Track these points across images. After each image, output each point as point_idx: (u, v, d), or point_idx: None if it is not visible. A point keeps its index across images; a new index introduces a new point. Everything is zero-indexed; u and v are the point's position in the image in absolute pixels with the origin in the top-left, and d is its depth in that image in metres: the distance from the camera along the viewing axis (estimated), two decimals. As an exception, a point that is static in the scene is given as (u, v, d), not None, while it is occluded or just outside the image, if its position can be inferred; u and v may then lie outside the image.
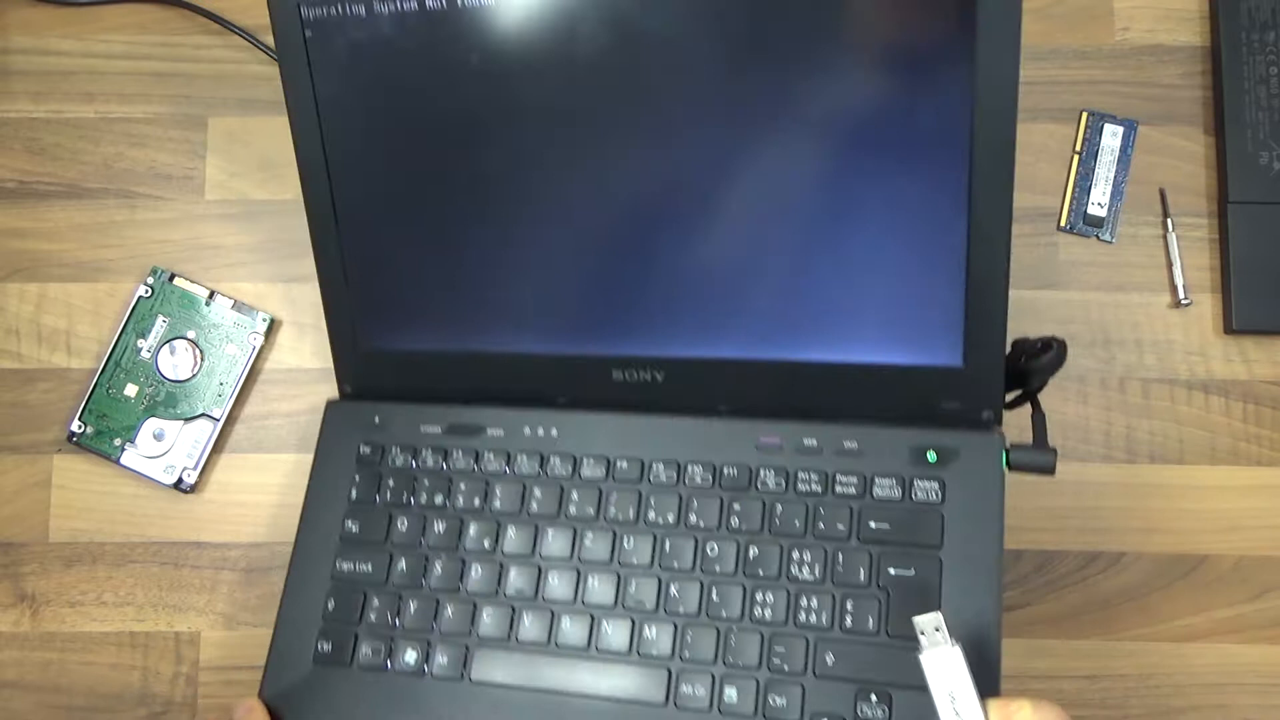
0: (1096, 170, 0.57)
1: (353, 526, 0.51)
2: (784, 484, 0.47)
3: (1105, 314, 0.57)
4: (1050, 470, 0.46)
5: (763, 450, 0.48)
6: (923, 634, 0.40)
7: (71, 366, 0.58)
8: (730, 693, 0.44)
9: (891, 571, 0.45)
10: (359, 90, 0.49)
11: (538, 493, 0.49)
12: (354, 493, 0.52)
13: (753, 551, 0.46)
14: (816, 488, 0.47)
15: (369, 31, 0.48)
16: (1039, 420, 0.47)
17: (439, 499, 0.50)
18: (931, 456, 0.46)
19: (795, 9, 0.44)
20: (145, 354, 0.58)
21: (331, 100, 0.49)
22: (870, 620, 0.44)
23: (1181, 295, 0.56)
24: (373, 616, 0.49)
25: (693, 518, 0.48)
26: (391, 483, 0.51)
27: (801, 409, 0.48)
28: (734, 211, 0.47)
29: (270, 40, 0.60)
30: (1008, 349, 0.47)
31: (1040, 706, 0.38)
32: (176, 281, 0.58)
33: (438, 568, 0.49)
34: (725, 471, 0.48)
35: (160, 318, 0.58)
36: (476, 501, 0.50)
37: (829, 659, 0.44)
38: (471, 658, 0.47)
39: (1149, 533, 0.55)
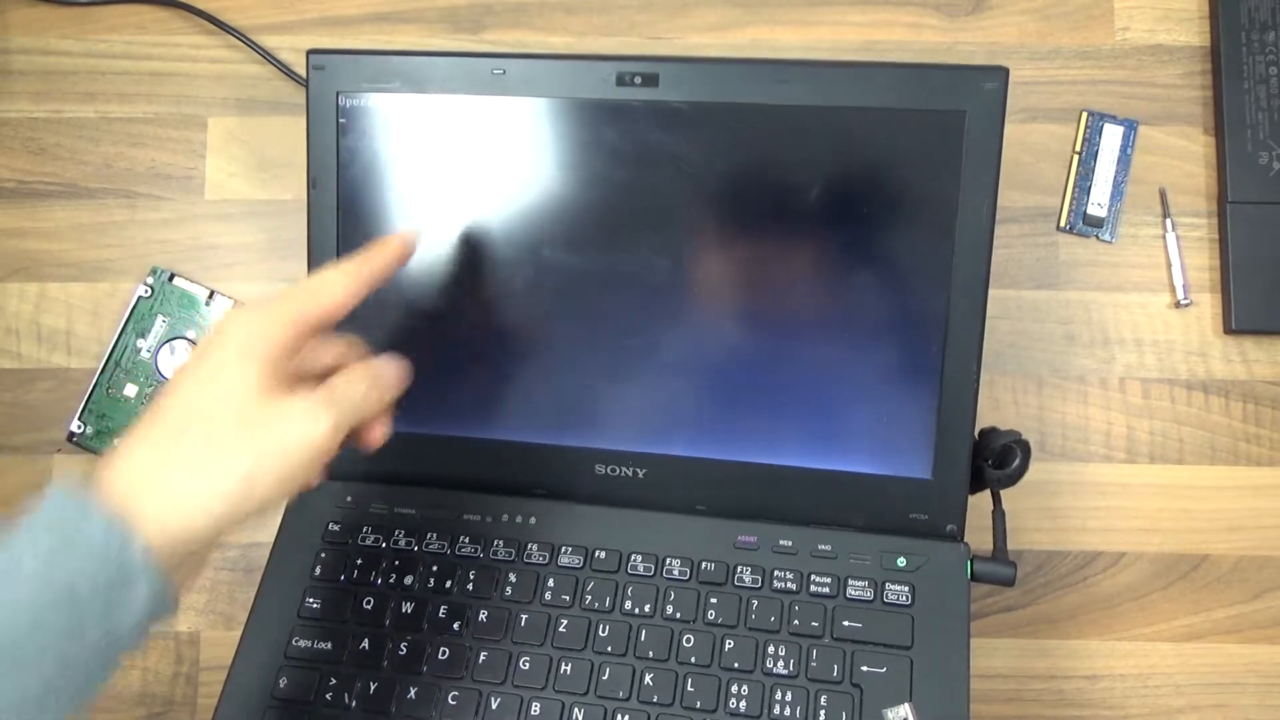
0: (1096, 170, 0.57)
1: (313, 603, 0.50)
2: (760, 581, 0.49)
3: (1105, 314, 0.57)
4: (1009, 583, 0.49)
5: (740, 549, 0.49)
6: None
7: (71, 366, 0.58)
8: None
9: (864, 669, 0.46)
10: (378, 180, 0.50)
11: (512, 578, 0.49)
12: (317, 569, 0.51)
13: (729, 644, 0.47)
14: (792, 586, 0.48)
15: (399, 126, 0.49)
16: (999, 526, 0.49)
17: (409, 580, 0.50)
18: (901, 562, 0.48)
19: (786, 155, 0.47)
20: (145, 354, 0.58)
21: (352, 184, 0.50)
22: (843, 715, 0.45)
23: (1181, 295, 0.56)
24: (328, 696, 0.48)
25: (669, 609, 0.48)
26: (360, 562, 0.51)
27: (779, 511, 0.50)
28: (722, 326, 0.49)
29: (269, 41, 0.60)
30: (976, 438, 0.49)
31: None
32: (176, 281, 0.58)
33: (401, 648, 0.48)
34: (703, 566, 0.49)
35: (160, 317, 0.58)
36: (448, 584, 0.50)
37: None
38: None
39: (1149, 533, 0.55)
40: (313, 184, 0.50)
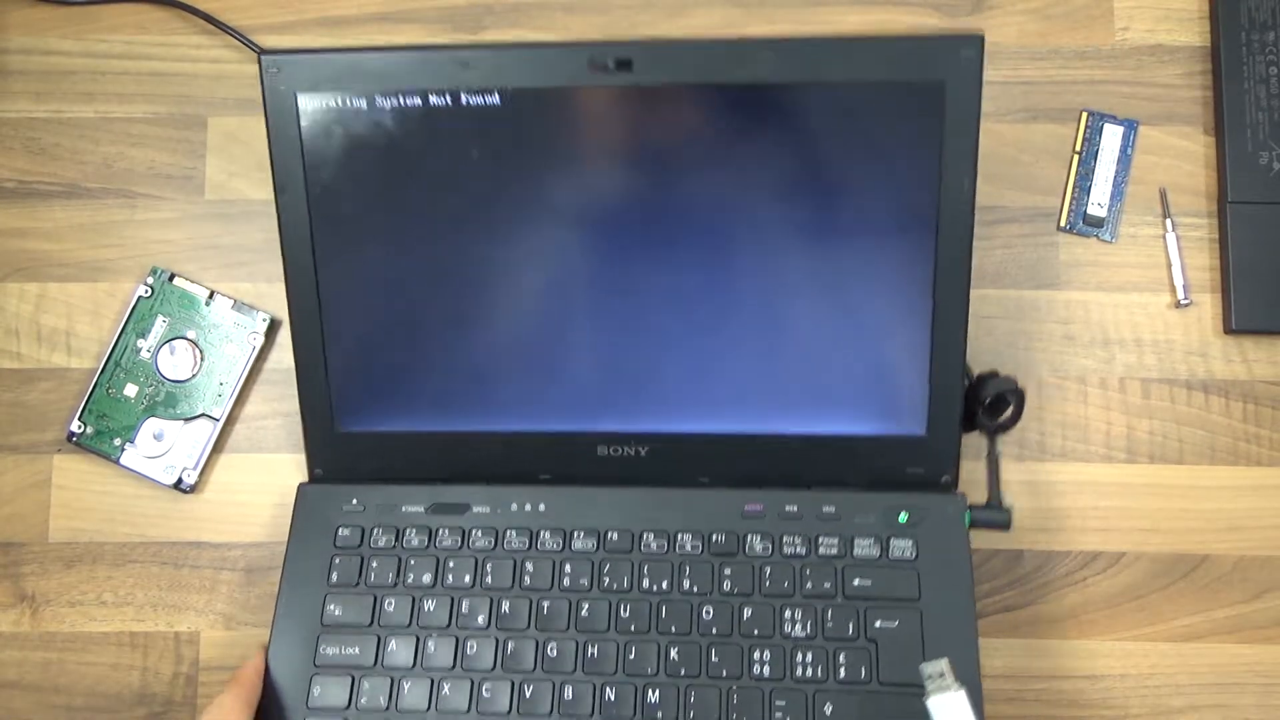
0: (1096, 170, 0.57)
1: (336, 610, 0.50)
2: (770, 548, 0.50)
3: (1105, 314, 0.57)
4: (1005, 526, 0.51)
5: (748, 517, 0.51)
6: (929, 679, 0.43)
7: (71, 366, 0.58)
8: None
9: (877, 624, 0.48)
10: (350, 178, 0.49)
11: (530, 567, 0.50)
12: (333, 576, 0.51)
13: (747, 612, 0.49)
14: (801, 550, 0.50)
15: (365, 123, 0.48)
16: (993, 472, 0.52)
17: (428, 579, 0.51)
18: (903, 517, 0.50)
19: (766, 134, 0.47)
20: (145, 354, 0.57)
21: (322, 185, 0.50)
22: (863, 670, 0.47)
23: (1181, 295, 0.56)
24: (363, 700, 0.48)
25: (686, 583, 0.50)
26: (375, 564, 0.51)
27: (781, 478, 0.51)
28: (715, 298, 0.50)
29: (269, 41, 0.60)
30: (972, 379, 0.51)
31: None
32: (176, 281, 0.58)
33: (432, 647, 0.49)
34: (714, 538, 0.50)
35: (160, 317, 0.58)
36: (467, 579, 0.50)
37: (827, 710, 0.47)
38: None
39: (1149, 533, 0.55)
40: (279, 190, 0.50)
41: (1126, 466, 0.55)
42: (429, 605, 0.50)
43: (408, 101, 0.48)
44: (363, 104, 0.48)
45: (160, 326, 0.58)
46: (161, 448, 0.57)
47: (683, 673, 0.48)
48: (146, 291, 0.58)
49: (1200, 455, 0.55)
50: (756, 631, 0.48)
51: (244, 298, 0.58)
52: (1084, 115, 0.58)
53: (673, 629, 0.49)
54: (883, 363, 0.50)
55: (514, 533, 0.51)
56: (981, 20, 0.59)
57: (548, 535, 0.51)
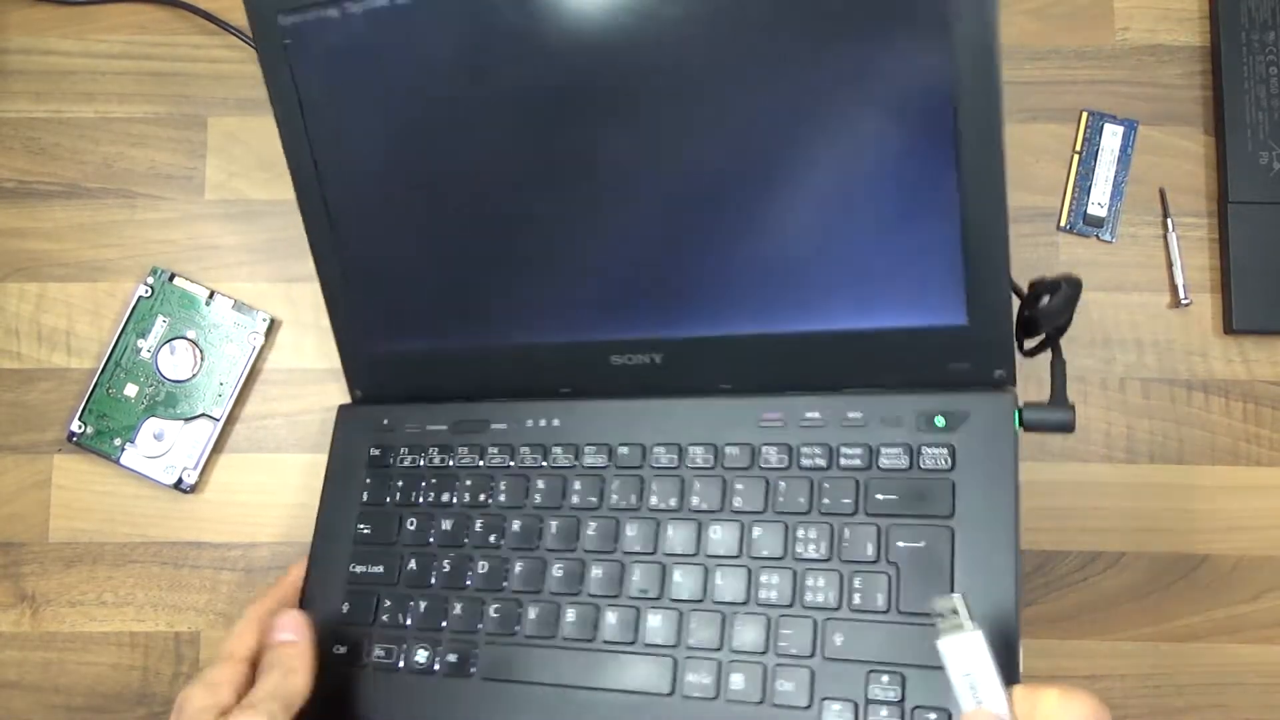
0: (1096, 170, 0.57)
1: (365, 529, 0.51)
2: (787, 460, 0.45)
3: (1105, 314, 0.57)
4: (1068, 428, 0.43)
5: (765, 427, 0.46)
6: (940, 617, 0.37)
7: (71, 366, 0.58)
8: (736, 679, 0.43)
9: (900, 545, 0.42)
10: (343, 93, 0.49)
11: (540, 484, 0.49)
12: (365, 495, 0.52)
13: (756, 532, 0.45)
14: (820, 462, 0.45)
15: (346, 33, 0.48)
16: (1058, 371, 0.45)
17: (446, 497, 0.50)
18: (940, 421, 0.44)
19: (768, 6, 0.43)
20: (145, 354, 0.57)
21: (316, 104, 0.49)
22: (879, 598, 0.42)
23: (1181, 295, 0.56)
24: (384, 617, 0.49)
25: (695, 500, 0.46)
26: (400, 483, 0.51)
27: (806, 382, 0.46)
28: (722, 188, 0.45)
29: (270, 40, 0.60)
30: (1025, 291, 0.45)
31: (1069, 695, 0.34)
32: (176, 281, 0.58)
33: (445, 565, 0.49)
34: (727, 451, 0.46)
35: (160, 317, 0.58)
36: (481, 497, 0.49)
37: (838, 640, 0.42)
38: (478, 655, 0.47)
39: (1149, 533, 0.55)
40: (280, 121, 0.50)
41: (1126, 466, 0.55)
42: (444, 524, 0.49)
43: (380, 3, 0.46)
44: (336, 13, 0.47)
45: (160, 326, 0.58)
46: (162, 448, 0.57)
47: (685, 596, 0.45)
48: (147, 291, 0.58)
49: (1200, 455, 0.55)
50: (766, 553, 0.44)
51: (244, 298, 0.58)
52: (1084, 115, 0.58)
53: (678, 550, 0.45)
54: (910, 244, 0.43)
55: (527, 450, 0.49)
56: (981, 20, 0.59)
57: (559, 451, 0.49)
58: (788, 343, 0.46)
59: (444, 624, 0.48)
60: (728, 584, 0.44)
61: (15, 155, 0.60)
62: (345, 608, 0.50)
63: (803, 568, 0.44)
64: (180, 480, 0.56)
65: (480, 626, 0.47)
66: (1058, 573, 0.54)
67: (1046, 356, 0.47)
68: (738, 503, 0.45)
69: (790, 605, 0.43)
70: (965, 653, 0.36)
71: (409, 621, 0.48)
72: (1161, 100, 0.58)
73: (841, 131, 0.44)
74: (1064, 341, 0.56)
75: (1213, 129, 0.58)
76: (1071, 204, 0.57)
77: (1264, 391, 0.56)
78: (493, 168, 0.48)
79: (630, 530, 0.46)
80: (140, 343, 0.58)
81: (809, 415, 0.46)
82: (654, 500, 0.47)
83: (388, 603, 0.49)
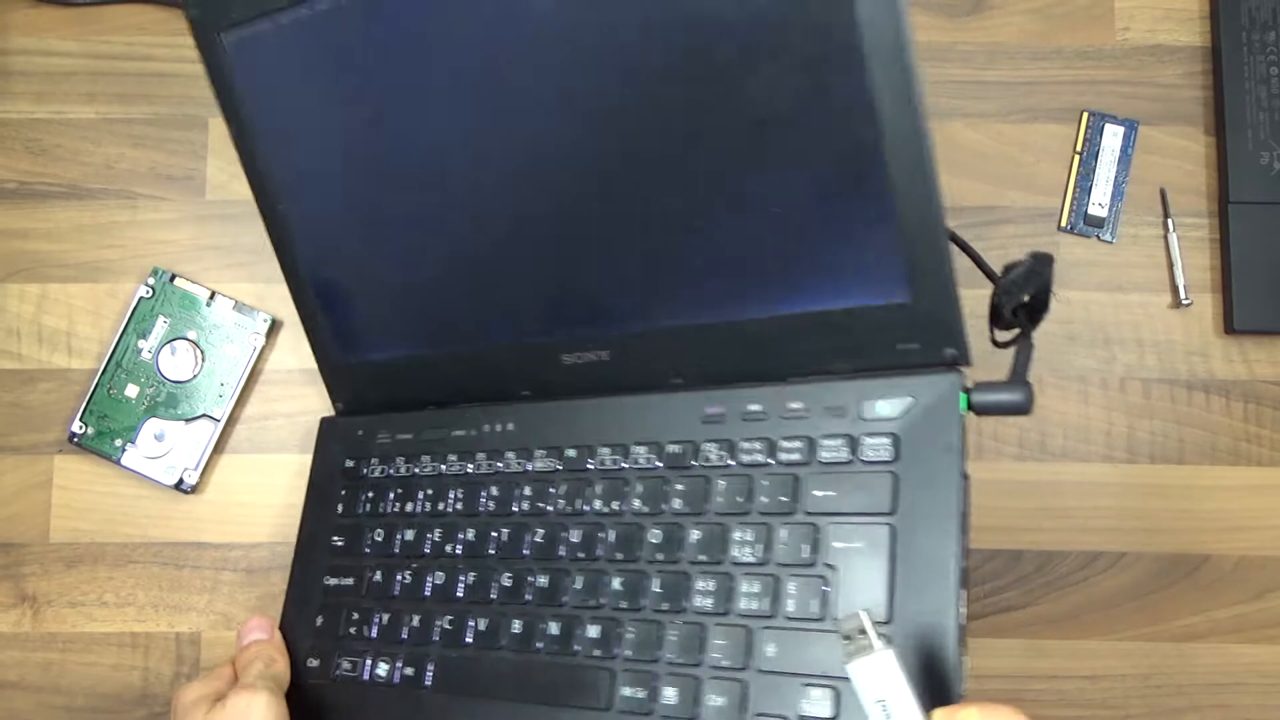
0: (1097, 170, 0.57)
1: (338, 541, 0.51)
2: (727, 456, 0.42)
3: (1105, 314, 0.57)
4: (1022, 410, 0.38)
5: (708, 422, 0.43)
6: (847, 638, 0.34)
7: (72, 367, 0.58)
8: (669, 693, 0.40)
9: (836, 546, 0.38)
10: (286, 106, 0.49)
11: (493, 491, 0.47)
12: (340, 507, 0.51)
13: (694, 534, 0.42)
14: (760, 457, 0.41)
15: (284, 45, 0.47)
16: (1022, 351, 0.40)
17: (409, 507, 0.49)
18: (882, 408, 0.40)
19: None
20: (146, 354, 0.58)
21: (265, 121, 0.50)
22: (813, 604, 0.38)
23: (1182, 295, 0.56)
24: (351, 630, 0.48)
25: (636, 503, 0.43)
26: (370, 494, 0.51)
27: (754, 373, 0.43)
28: (651, 184, 0.44)
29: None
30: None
31: (991, 713, 0.32)
32: (177, 282, 0.58)
33: (406, 577, 0.48)
34: (669, 450, 0.43)
35: (161, 318, 0.58)
36: (441, 506, 0.48)
37: (770, 650, 0.39)
38: (432, 667, 0.46)
39: (1149, 533, 0.55)
40: (235, 140, 0.50)
41: (1127, 466, 0.55)
42: (409, 535, 0.48)
43: (327, 11, 0.46)
44: (269, 25, 0.47)
45: (161, 327, 0.58)
46: (162, 448, 0.57)
47: (622, 604, 0.42)
48: (147, 292, 0.58)
49: (1201, 455, 0.55)
50: (703, 557, 0.41)
51: (245, 298, 0.58)
52: (1084, 115, 0.58)
53: (618, 555, 0.43)
54: (841, 220, 0.40)
55: (484, 456, 0.48)
56: (981, 20, 0.59)
57: (513, 456, 0.47)
58: (729, 331, 0.43)
59: (404, 636, 0.47)
60: (664, 591, 0.42)
61: (16, 156, 0.60)
62: (319, 621, 0.49)
63: (740, 572, 0.40)
64: (181, 481, 0.56)
65: (435, 638, 0.46)
66: (1058, 573, 0.54)
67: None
68: (677, 504, 0.43)
69: (725, 613, 0.40)
70: (876, 675, 0.33)
71: (373, 634, 0.48)
72: (1162, 100, 0.58)
73: (758, 111, 0.40)
74: (1064, 341, 0.56)
75: (1213, 129, 0.58)
76: (1072, 204, 0.57)
77: (1264, 391, 0.56)
78: (431, 175, 0.48)
79: (573, 536, 0.44)
80: (141, 343, 0.58)
81: (751, 408, 0.42)
82: (597, 504, 0.44)
83: (355, 615, 0.48)
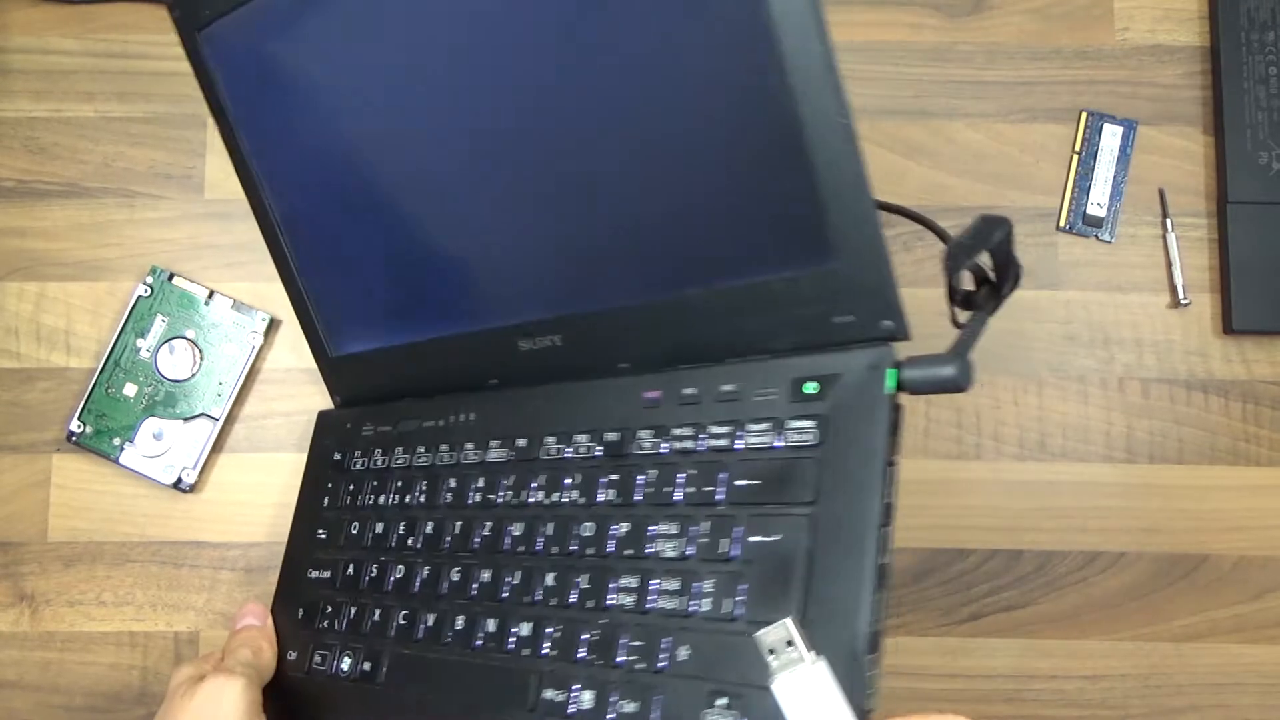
0: (1096, 170, 0.57)
1: (322, 534, 0.51)
2: (660, 443, 0.40)
3: (1105, 314, 0.57)
4: (957, 386, 0.34)
5: (647, 407, 0.41)
6: (771, 653, 0.31)
7: (70, 366, 0.58)
8: (585, 697, 0.38)
9: (754, 540, 0.35)
10: (264, 99, 0.50)
11: (452, 484, 0.46)
12: (325, 500, 0.52)
13: (623, 528, 0.39)
14: (689, 444, 0.39)
15: (256, 38, 0.48)
16: (971, 325, 0.37)
17: (381, 500, 0.49)
18: (810, 387, 0.37)
19: None
20: (144, 353, 0.57)
21: (245, 112, 0.51)
22: (727, 603, 0.35)
23: (1181, 295, 0.56)
24: (325, 624, 0.48)
25: (574, 494, 0.41)
26: (351, 487, 0.51)
27: (694, 354, 0.41)
28: (578, 161, 0.43)
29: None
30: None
31: None
32: (176, 281, 0.58)
33: (373, 570, 0.48)
34: (607, 437, 0.41)
35: (159, 317, 0.58)
36: (408, 499, 0.48)
37: (682, 654, 0.36)
38: (387, 662, 0.45)
39: (1149, 533, 0.55)
40: (221, 133, 0.51)
41: (1126, 466, 0.55)
42: (378, 527, 0.48)
43: (295, 6, 0.46)
44: (255, 17, 0.47)
45: (160, 326, 0.58)
46: (161, 447, 0.57)
47: (553, 602, 0.40)
48: (146, 291, 0.58)
49: (1200, 455, 0.55)
50: (629, 551, 0.38)
51: (243, 297, 0.58)
52: (1084, 115, 0.58)
53: (554, 550, 0.41)
54: (761, 184, 0.38)
55: (447, 447, 0.47)
56: (981, 20, 0.59)
57: (471, 447, 0.46)
58: (665, 311, 0.42)
59: (366, 630, 0.47)
60: (590, 588, 0.39)
61: (15, 155, 0.60)
62: (300, 614, 0.49)
63: (661, 568, 0.38)
64: (179, 480, 0.56)
65: (390, 633, 0.45)
66: (1058, 573, 0.54)
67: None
68: (610, 495, 0.40)
69: (644, 612, 0.37)
70: (806, 691, 0.30)
71: (343, 627, 0.47)
72: (1161, 100, 0.58)
73: (671, 83, 0.39)
74: (1063, 341, 0.56)
75: (1212, 129, 0.58)
76: (1071, 204, 0.57)
77: (1264, 391, 0.56)
78: (387, 165, 0.48)
79: (516, 529, 0.43)
80: (139, 342, 0.58)
81: (685, 391, 0.40)
82: (540, 495, 0.43)
83: (329, 609, 0.48)
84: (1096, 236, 0.57)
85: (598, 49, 0.41)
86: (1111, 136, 0.57)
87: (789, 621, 0.31)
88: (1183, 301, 0.56)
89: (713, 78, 0.38)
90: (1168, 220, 0.57)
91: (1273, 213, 0.56)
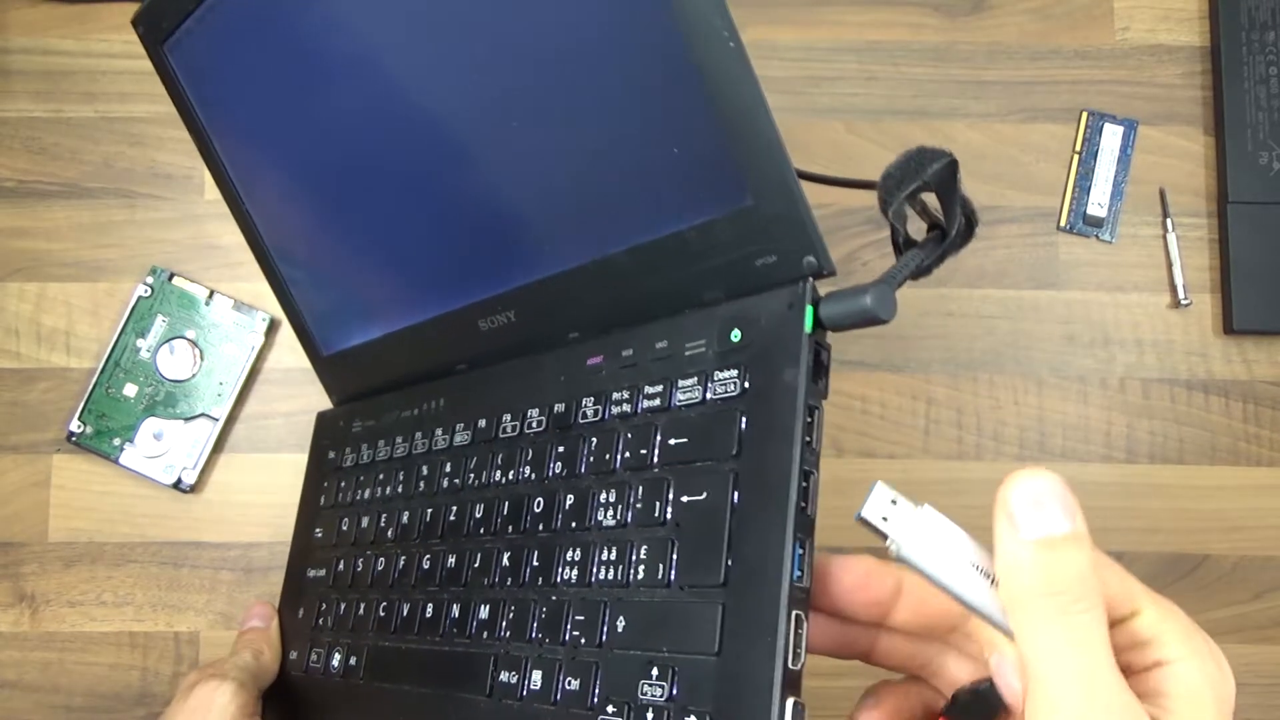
0: (1096, 170, 0.57)
1: (319, 533, 0.51)
2: (600, 411, 0.38)
3: (1105, 314, 0.57)
4: (876, 319, 0.32)
5: (590, 374, 0.40)
6: (884, 519, 0.28)
7: (71, 366, 0.58)
8: (535, 676, 0.36)
9: (684, 500, 0.34)
10: (226, 103, 0.50)
11: (424, 471, 0.46)
12: (322, 499, 0.52)
13: (568, 500, 0.38)
14: (627, 408, 0.37)
15: (211, 45, 0.48)
16: (907, 258, 0.34)
17: (366, 493, 0.49)
18: (735, 335, 0.35)
19: None
20: (145, 354, 0.57)
21: (211, 117, 0.51)
22: (660, 568, 0.33)
23: (1181, 295, 0.56)
24: (319, 621, 0.48)
25: (526, 470, 0.40)
26: (342, 484, 0.51)
27: (631, 315, 0.39)
28: (493, 129, 0.42)
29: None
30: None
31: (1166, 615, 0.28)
32: (176, 281, 0.58)
33: (359, 565, 0.48)
34: (555, 409, 0.40)
35: (160, 317, 0.58)
36: (387, 491, 0.48)
37: (620, 625, 0.34)
38: (367, 656, 0.45)
39: (1148, 532, 0.55)
40: (200, 149, 0.51)
41: (1126, 466, 0.55)
42: (364, 521, 0.48)
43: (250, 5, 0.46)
44: (194, 24, 0.48)
45: (160, 326, 0.58)
46: (161, 447, 0.57)
47: (508, 583, 0.39)
48: (146, 291, 0.58)
49: (1200, 455, 0.55)
50: (573, 524, 0.37)
51: (244, 297, 0.58)
52: (1084, 115, 0.58)
53: (509, 530, 0.40)
54: (666, 129, 0.37)
55: (420, 435, 0.47)
56: (981, 20, 0.59)
57: (440, 433, 0.45)
58: (596, 272, 0.40)
59: (351, 625, 0.47)
60: (539, 565, 0.38)
61: (15, 155, 0.60)
62: (300, 613, 0.50)
63: (602, 539, 0.36)
64: (180, 480, 0.56)
65: (370, 627, 0.45)
66: (1058, 573, 0.54)
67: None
68: (557, 468, 0.39)
69: (588, 585, 0.36)
70: (932, 541, 0.28)
71: (333, 624, 0.48)
72: (1161, 100, 0.58)
73: (567, 37, 0.38)
74: (1063, 341, 0.56)
75: (1213, 129, 0.58)
76: (1071, 204, 0.57)
77: (1264, 391, 0.56)
78: (342, 164, 0.48)
79: (477, 511, 0.42)
80: (140, 342, 0.58)
81: (624, 354, 0.38)
82: (498, 475, 0.41)
83: (324, 606, 0.48)
84: (1097, 236, 0.57)
85: (498, 27, 0.40)
86: (1112, 136, 0.57)
87: (880, 483, 0.29)
88: (1183, 301, 0.56)
89: (600, 26, 0.37)
90: (1168, 220, 0.57)
91: (1273, 213, 0.56)
